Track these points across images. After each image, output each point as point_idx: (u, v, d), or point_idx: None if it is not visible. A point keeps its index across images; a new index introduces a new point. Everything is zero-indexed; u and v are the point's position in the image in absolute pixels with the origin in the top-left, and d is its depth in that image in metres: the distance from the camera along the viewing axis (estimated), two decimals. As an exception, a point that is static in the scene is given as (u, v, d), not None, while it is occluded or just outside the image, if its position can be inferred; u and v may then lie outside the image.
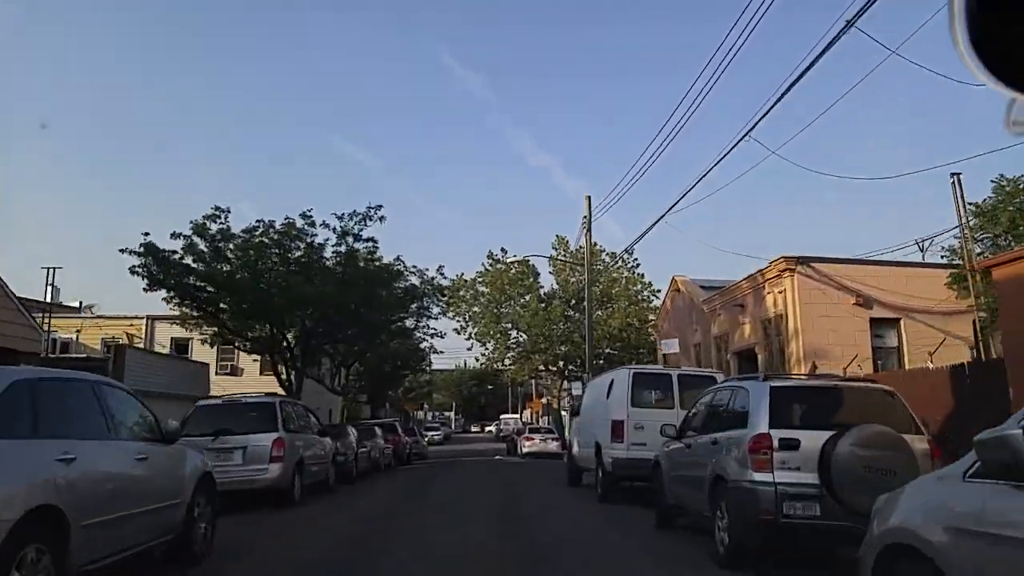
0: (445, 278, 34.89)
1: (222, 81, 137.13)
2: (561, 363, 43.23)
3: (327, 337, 28.32)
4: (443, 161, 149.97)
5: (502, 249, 43.08)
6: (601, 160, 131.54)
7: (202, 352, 37.13)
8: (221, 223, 24.97)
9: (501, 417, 70.69)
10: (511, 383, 47.22)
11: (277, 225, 25.69)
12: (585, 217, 33.46)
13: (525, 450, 36.51)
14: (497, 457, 38.81)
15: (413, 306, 34.66)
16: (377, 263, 26.83)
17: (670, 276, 33.98)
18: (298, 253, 26.14)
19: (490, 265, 43.68)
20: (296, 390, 27.25)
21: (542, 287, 43.94)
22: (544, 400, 62.73)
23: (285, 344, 27.06)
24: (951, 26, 1.36)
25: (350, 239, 26.37)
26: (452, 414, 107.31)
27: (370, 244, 26.57)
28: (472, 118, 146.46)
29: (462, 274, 43.89)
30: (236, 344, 28.12)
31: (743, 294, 24.51)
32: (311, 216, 25.84)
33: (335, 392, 35.44)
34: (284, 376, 27.47)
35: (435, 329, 37.00)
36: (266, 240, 25.52)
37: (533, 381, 60.39)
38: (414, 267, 32.99)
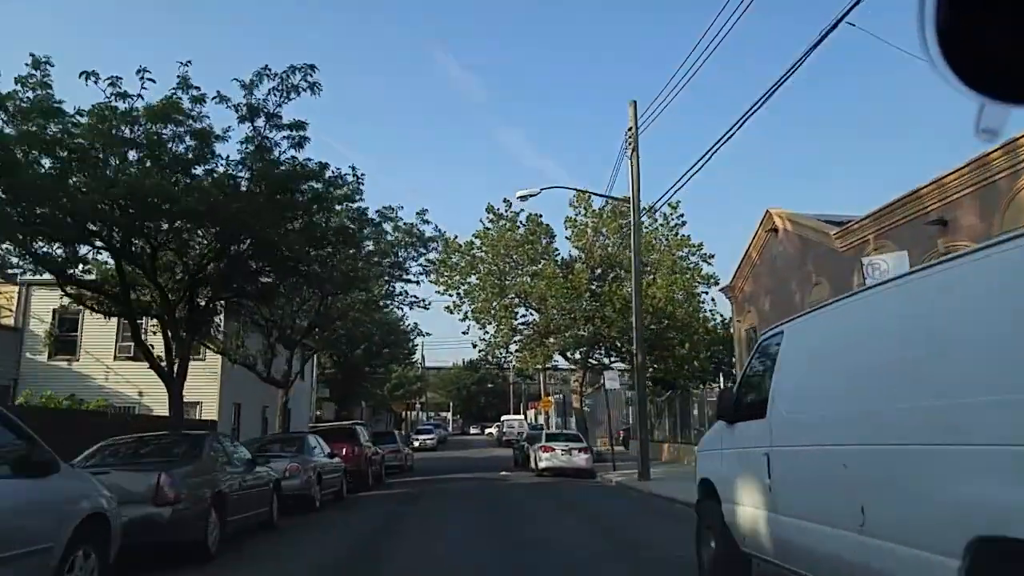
0: (428, 224, 23.66)
1: (216, 71, 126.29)
2: (583, 349, 31.82)
3: (227, 287, 16.90)
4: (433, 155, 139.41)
5: (504, 201, 31.80)
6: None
7: (98, 330, 25.93)
8: (38, 91, 13.69)
9: (503, 418, 59.37)
10: (518, 377, 35.51)
11: (141, 105, 14.28)
12: (630, 129, 22.34)
13: (543, 464, 25.24)
14: (503, 473, 27.55)
15: (385, 261, 23.40)
16: (305, 166, 15.42)
17: (759, 215, 22.78)
18: (180, 147, 14.83)
19: (490, 222, 32.34)
20: (178, 374, 15.90)
21: (557, 252, 32.61)
22: (554, 398, 51.46)
23: (150, 297, 15.71)
24: (920, 31, 1.30)
25: (261, 123, 15.03)
26: (449, 415, 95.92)
27: (295, 135, 15.17)
28: (464, 111, 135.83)
29: (455, 236, 32.55)
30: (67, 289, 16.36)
31: (945, 200, 13.27)
32: (199, 88, 14.55)
33: (275, 383, 23.99)
34: (164, 350, 16.15)
35: (416, 297, 25.71)
36: (124, 129, 14.19)
37: (541, 374, 48.91)
38: (385, 207, 21.92)
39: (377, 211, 22.24)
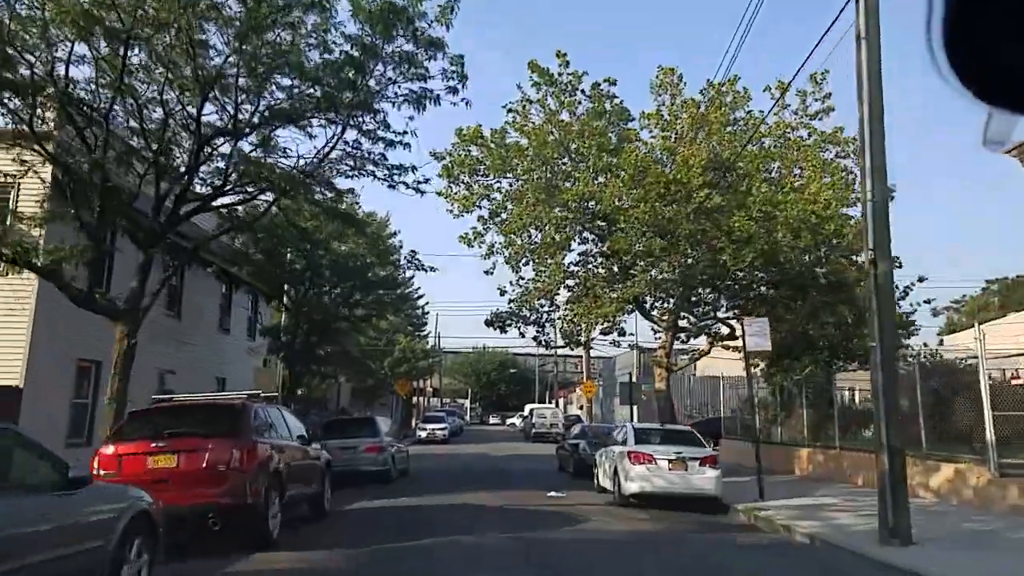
0: (432, 21, 11.32)
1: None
2: (681, 291, 19.04)
3: None
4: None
5: (559, 56, 19.21)
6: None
7: None
8: None
9: (532, 408, 47.09)
10: (566, 343, 22.70)
11: None
12: None
13: (635, 485, 12.90)
14: (552, 494, 15.15)
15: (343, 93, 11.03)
16: None
17: None
18: None
19: (534, 87, 19.63)
20: None
21: (638, 139, 19.83)
22: (594, 382, 38.76)
23: None
24: (928, 40, 1.26)
25: None
26: (467, 402, 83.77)
27: None
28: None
29: (477, 126, 20.02)
30: None
31: None
32: None
33: (105, 312, 11.27)
34: None
35: (400, 169, 13.00)
36: None
37: (586, 348, 36.10)
38: None
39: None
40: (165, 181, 11.29)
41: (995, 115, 1.32)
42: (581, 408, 57.40)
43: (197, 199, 11.60)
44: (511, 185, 20.40)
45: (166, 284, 11.60)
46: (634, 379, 25.92)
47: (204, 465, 8.37)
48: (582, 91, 19.37)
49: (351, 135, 12.65)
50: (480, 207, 21.18)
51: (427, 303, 48.14)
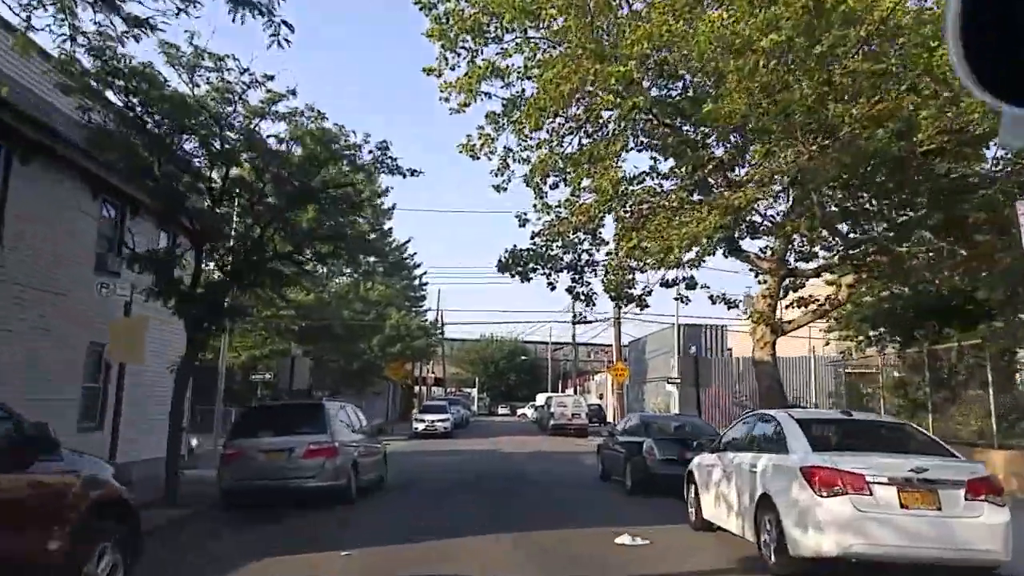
0: None
1: None
2: (816, 200, 11.75)
3: None
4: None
5: None
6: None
7: None
8: None
9: (550, 396, 40.19)
10: (612, 297, 15.60)
11: None
12: None
13: (825, 546, 5.88)
14: (626, 542, 7.90)
15: None
16: None
17: None
18: None
19: None
20: None
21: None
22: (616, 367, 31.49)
23: None
24: (948, 40, 1.22)
25: None
26: (475, 391, 76.87)
27: None
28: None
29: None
30: None
31: None
32: None
33: None
34: None
35: None
36: None
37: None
38: None
39: None
40: None
41: (1012, 113, 1.24)
42: (601, 397, 50.31)
43: None
44: (536, 48, 13.27)
45: None
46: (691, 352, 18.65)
47: None
48: None
49: None
50: (491, 95, 14.11)
51: (425, 272, 41.10)
